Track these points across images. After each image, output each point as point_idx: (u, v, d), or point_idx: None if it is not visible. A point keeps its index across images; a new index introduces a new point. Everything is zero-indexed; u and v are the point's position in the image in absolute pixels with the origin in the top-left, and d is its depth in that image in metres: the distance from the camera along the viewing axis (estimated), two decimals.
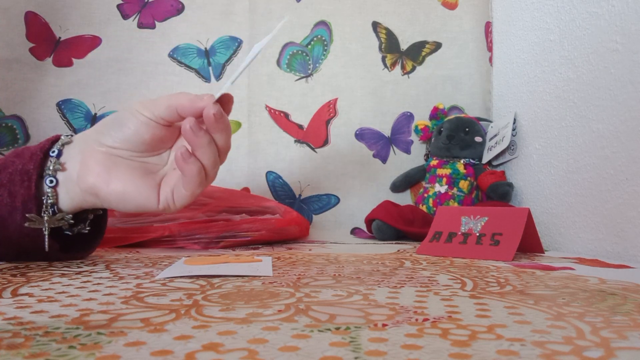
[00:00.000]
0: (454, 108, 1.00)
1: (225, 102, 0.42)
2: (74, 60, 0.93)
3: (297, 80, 0.99)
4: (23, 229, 0.41)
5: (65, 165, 0.42)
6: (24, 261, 0.45)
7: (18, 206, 0.41)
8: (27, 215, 0.41)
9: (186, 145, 0.42)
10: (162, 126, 0.42)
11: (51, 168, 0.42)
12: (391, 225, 0.80)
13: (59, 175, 0.42)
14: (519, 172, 0.86)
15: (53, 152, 0.43)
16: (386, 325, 0.24)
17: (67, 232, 0.46)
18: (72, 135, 0.45)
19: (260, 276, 0.39)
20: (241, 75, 0.44)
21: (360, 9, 1.00)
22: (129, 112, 0.42)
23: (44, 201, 0.42)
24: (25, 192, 0.41)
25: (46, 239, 0.42)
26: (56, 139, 0.44)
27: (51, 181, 0.42)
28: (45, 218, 0.42)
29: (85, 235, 0.47)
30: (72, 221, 0.44)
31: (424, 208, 0.90)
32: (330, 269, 0.43)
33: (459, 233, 0.59)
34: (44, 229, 0.42)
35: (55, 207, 0.42)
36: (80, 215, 0.46)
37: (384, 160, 0.99)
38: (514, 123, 0.87)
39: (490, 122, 0.97)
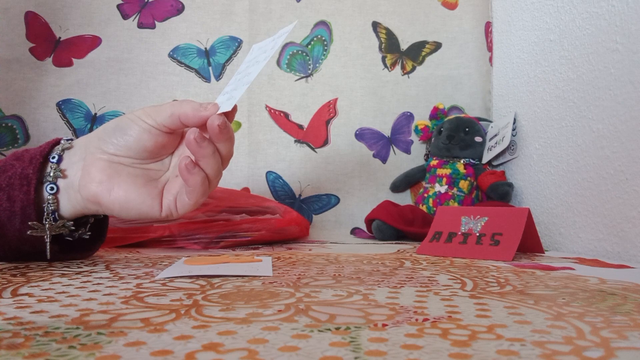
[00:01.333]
0: (454, 108, 1.00)
1: (228, 111, 0.42)
2: (74, 60, 0.93)
3: (297, 80, 0.99)
4: (23, 234, 0.41)
5: (66, 172, 0.42)
6: (23, 261, 0.45)
7: (17, 211, 0.40)
8: (29, 223, 0.41)
9: (189, 153, 0.42)
10: (164, 133, 0.42)
11: (51, 174, 0.41)
12: (391, 225, 0.80)
13: (60, 182, 0.42)
14: (519, 172, 0.86)
15: (53, 157, 0.42)
16: (386, 325, 0.24)
17: (68, 238, 0.45)
18: (72, 140, 0.44)
19: (260, 276, 0.39)
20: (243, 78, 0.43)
21: (360, 9, 1.00)
22: (130, 120, 0.41)
23: (45, 208, 0.41)
24: (24, 197, 0.40)
25: (47, 247, 0.42)
26: (56, 142, 0.44)
27: (52, 188, 0.41)
28: (47, 226, 0.41)
29: (87, 238, 0.47)
30: (73, 227, 0.44)
31: (424, 208, 0.90)
32: (330, 269, 0.43)
33: (459, 233, 0.59)
34: (45, 237, 0.42)
35: (56, 213, 0.42)
36: (81, 218, 0.45)
37: (384, 160, 0.99)
38: (514, 123, 0.87)
39: (490, 122, 0.97)
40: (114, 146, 0.42)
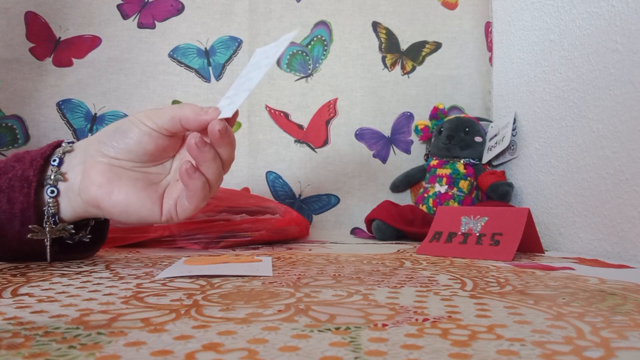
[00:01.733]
0: (454, 108, 1.00)
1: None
2: (74, 60, 0.93)
3: (297, 80, 0.99)
4: (22, 236, 0.41)
5: (67, 175, 0.42)
6: (23, 262, 0.45)
7: (17, 213, 0.40)
8: (30, 226, 0.41)
9: (190, 158, 0.41)
10: (165, 137, 0.42)
11: (52, 177, 0.41)
12: (391, 225, 0.80)
13: (60, 185, 0.42)
14: (519, 172, 0.86)
15: (54, 160, 0.42)
16: (386, 325, 0.24)
17: (68, 241, 0.45)
18: (73, 143, 0.44)
19: (260, 276, 0.39)
20: (238, 74, 0.43)
21: (360, 9, 1.00)
22: (131, 122, 0.41)
23: (45, 211, 0.41)
24: (24, 200, 0.40)
25: (48, 250, 0.42)
26: (57, 145, 0.43)
27: (52, 191, 0.41)
28: (47, 229, 0.41)
29: (87, 241, 0.47)
30: (73, 231, 0.44)
31: (424, 208, 0.90)
32: (330, 269, 0.43)
33: (459, 233, 0.59)
34: (45, 240, 0.42)
35: (57, 217, 0.42)
36: (81, 221, 0.45)
37: (384, 160, 0.99)
38: (514, 123, 0.87)
39: (490, 122, 0.97)
40: (114, 149, 0.41)
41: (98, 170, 0.41)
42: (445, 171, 0.90)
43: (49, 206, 0.41)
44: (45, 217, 0.41)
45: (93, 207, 0.42)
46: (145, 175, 0.43)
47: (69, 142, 0.44)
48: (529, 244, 0.59)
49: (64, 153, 0.42)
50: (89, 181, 0.41)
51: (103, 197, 0.41)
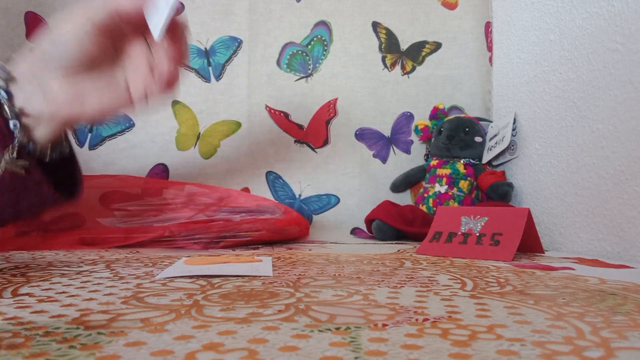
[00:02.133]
0: (454, 108, 1.00)
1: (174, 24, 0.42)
2: None
3: (297, 80, 0.99)
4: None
5: (26, 110, 0.40)
6: (22, 219, 0.44)
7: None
8: (5, 157, 0.39)
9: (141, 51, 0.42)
10: (106, 37, 0.41)
11: (11, 114, 0.40)
12: (391, 225, 0.80)
13: (25, 119, 0.40)
14: (519, 172, 0.86)
15: (2, 96, 0.40)
16: (386, 325, 0.24)
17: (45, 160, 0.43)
18: (6, 69, 0.42)
19: (260, 276, 0.39)
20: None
21: (360, 9, 1.00)
22: (67, 31, 0.40)
23: (17, 144, 0.40)
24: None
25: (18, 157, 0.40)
26: None
27: (16, 125, 0.40)
28: (7, 158, 0.39)
29: (68, 176, 0.45)
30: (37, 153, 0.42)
31: (424, 208, 0.90)
32: (330, 269, 0.43)
33: (459, 233, 0.59)
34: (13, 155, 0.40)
35: (32, 144, 0.41)
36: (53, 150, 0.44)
37: (384, 160, 0.99)
38: (514, 123, 0.87)
39: (490, 122, 0.97)
40: (61, 64, 0.40)
41: (59, 89, 0.40)
42: (445, 171, 0.90)
43: (19, 140, 0.40)
44: (17, 147, 0.40)
45: (71, 124, 0.42)
46: (104, 75, 0.42)
47: (2, 69, 0.41)
48: (529, 244, 0.59)
49: (7, 84, 0.40)
50: (56, 103, 0.40)
51: (77, 112, 0.41)
